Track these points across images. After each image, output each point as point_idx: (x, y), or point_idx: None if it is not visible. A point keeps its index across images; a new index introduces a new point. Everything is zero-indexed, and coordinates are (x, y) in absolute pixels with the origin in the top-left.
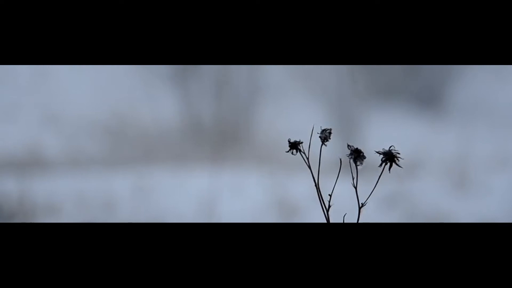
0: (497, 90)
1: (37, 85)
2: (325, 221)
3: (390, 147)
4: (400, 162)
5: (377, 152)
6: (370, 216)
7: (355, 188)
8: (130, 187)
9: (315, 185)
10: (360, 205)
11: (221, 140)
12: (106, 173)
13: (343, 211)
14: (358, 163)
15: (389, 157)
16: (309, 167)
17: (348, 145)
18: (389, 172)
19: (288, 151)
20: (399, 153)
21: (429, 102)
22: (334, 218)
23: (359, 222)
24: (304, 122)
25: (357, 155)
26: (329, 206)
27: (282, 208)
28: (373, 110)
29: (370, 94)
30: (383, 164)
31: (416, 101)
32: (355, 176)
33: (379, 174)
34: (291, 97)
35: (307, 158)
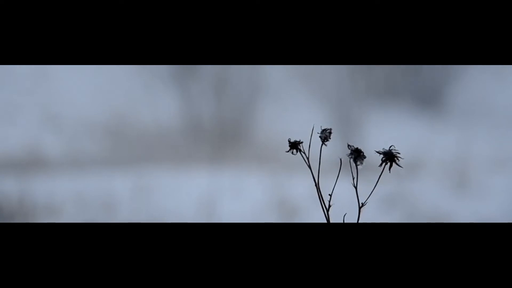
0: (497, 91)
1: (37, 85)
2: (325, 221)
3: (390, 147)
4: (400, 162)
5: (377, 152)
6: (370, 216)
7: (355, 188)
8: (130, 187)
9: (315, 185)
10: (360, 205)
11: (221, 140)
12: (106, 173)
13: (343, 211)
14: (358, 163)
15: (389, 157)
16: (309, 167)
17: (348, 145)
18: (389, 172)
19: (288, 151)
20: (399, 153)
21: (429, 102)
22: (334, 218)
23: (359, 222)
24: (304, 122)
25: (357, 155)
26: (329, 206)
27: (282, 208)
28: (373, 110)
29: (370, 94)
30: (383, 164)
31: (416, 101)
32: (355, 176)
33: (379, 174)
34: (291, 97)
35: (307, 158)
